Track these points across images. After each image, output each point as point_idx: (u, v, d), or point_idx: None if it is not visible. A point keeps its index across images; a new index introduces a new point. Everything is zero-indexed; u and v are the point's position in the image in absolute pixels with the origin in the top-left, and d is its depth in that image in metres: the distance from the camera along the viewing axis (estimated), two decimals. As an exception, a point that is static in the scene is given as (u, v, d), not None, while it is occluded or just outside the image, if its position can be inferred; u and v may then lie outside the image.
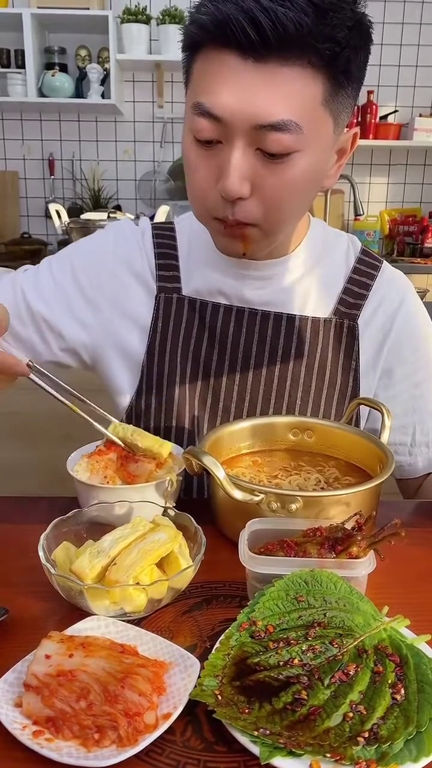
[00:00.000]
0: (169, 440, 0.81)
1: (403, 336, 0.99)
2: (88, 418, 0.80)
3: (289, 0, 0.69)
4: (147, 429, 0.92)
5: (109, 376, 1.01)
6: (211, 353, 0.97)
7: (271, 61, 0.72)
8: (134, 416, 0.99)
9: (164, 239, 1.00)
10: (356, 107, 3.88)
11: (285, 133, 0.74)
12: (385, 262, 1.04)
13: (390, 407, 0.88)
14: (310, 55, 0.72)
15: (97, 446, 0.83)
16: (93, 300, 0.98)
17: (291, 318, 0.96)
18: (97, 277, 0.98)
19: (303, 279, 0.97)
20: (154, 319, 0.98)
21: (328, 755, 0.45)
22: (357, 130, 0.87)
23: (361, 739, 0.46)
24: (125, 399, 1.00)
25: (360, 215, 3.40)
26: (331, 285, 0.99)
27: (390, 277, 1.02)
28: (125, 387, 1.00)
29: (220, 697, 0.49)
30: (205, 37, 0.75)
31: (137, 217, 2.94)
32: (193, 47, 0.78)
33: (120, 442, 0.81)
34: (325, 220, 3.91)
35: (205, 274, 0.96)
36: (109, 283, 0.98)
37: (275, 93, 0.73)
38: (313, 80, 0.74)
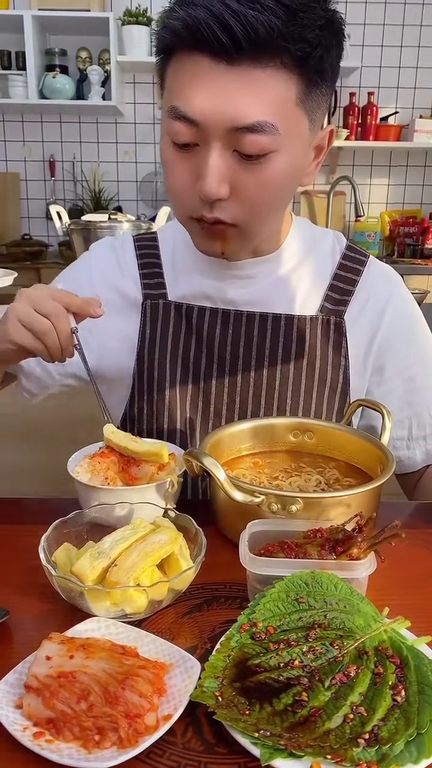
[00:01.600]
0: None
1: (394, 332, 0.99)
2: (104, 404, 0.82)
3: (259, 3, 0.69)
4: (140, 434, 0.93)
5: (103, 388, 1.01)
6: (200, 357, 0.97)
7: (243, 64, 0.72)
8: (128, 421, 1.00)
9: (147, 249, 1.01)
10: (357, 108, 3.91)
11: (261, 134, 0.74)
12: (371, 257, 1.03)
13: (385, 403, 0.89)
14: (283, 57, 0.73)
15: (99, 447, 0.83)
16: (84, 325, 0.97)
17: (276, 317, 0.96)
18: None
19: (288, 277, 0.97)
20: (141, 326, 0.98)
21: (329, 757, 0.45)
22: (333, 126, 0.88)
23: (361, 741, 0.46)
24: (119, 406, 1.01)
25: (361, 216, 3.41)
26: (317, 282, 0.99)
27: (377, 272, 1.01)
28: (119, 395, 1.01)
29: (220, 699, 0.49)
30: (177, 42, 0.75)
31: (138, 219, 2.94)
32: (165, 51, 0.78)
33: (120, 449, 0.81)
34: (327, 222, 3.94)
35: (190, 279, 0.96)
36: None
37: (249, 95, 0.73)
38: (287, 81, 0.74)
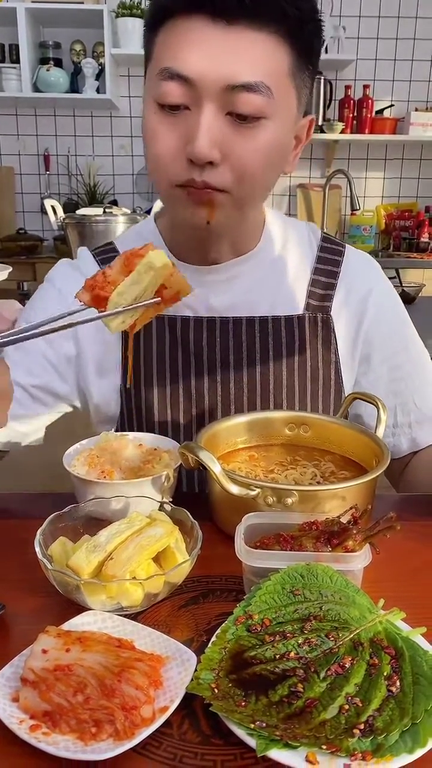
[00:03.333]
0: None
1: (378, 321, 0.99)
2: (97, 314, 0.70)
3: None
4: None
5: (92, 410, 1.01)
6: (189, 368, 0.95)
7: (242, 25, 0.73)
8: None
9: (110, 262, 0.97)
10: (353, 101, 3.90)
11: (257, 93, 0.74)
12: (348, 246, 1.02)
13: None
14: (278, 23, 0.74)
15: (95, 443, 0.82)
16: (68, 353, 0.96)
17: (263, 320, 0.95)
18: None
19: (268, 276, 0.96)
20: (124, 344, 0.95)
21: (324, 747, 0.45)
22: (313, 116, 0.88)
23: (356, 731, 0.46)
24: (109, 428, 0.99)
25: (356, 210, 3.41)
26: (298, 277, 0.97)
27: (356, 261, 1.00)
28: (108, 414, 0.99)
29: (216, 691, 0.49)
30: (176, 4, 0.75)
31: (134, 212, 2.93)
32: (159, 18, 0.78)
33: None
34: (323, 215, 3.93)
35: None
36: (72, 329, 0.93)
37: (246, 56, 0.74)
38: (281, 49, 0.76)
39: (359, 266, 1.00)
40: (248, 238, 0.93)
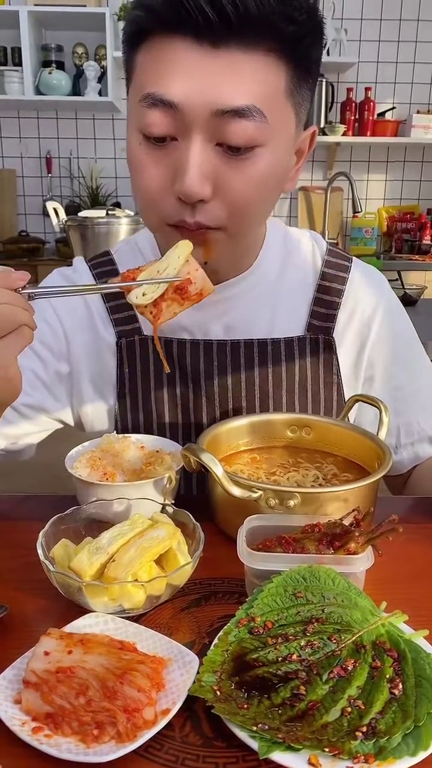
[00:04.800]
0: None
1: (382, 342, 0.96)
2: (119, 284, 0.69)
3: None
4: None
5: (87, 428, 0.98)
6: (187, 392, 0.92)
7: (230, 47, 0.65)
8: None
9: (106, 275, 0.93)
10: (354, 104, 3.90)
11: (249, 120, 0.67)
12: (354, 259, 0.98)
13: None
14: (272, 41, 0.67)
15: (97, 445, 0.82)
16: (60, 371, 0.94)
17: (262, 343, 0.91)
18: (58, 345, 0.93)
19: (268, 294, 0.92)
20: (119, 367, 0.92)
21: (327, 750, 0.45)
22: (315, 128, 0.82)
23: (359, 734, 0.46)
24: None
25: (358, 212, 3.41)
26: (299, 296, 0.93)
27: (362, 276, 0.95)
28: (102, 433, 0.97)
29: (218, 693, 0.49)
30: (153, 22, 0.67)
31: (137, 214, 2.94)
32: (137, 37, 0.70)
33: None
34: (324, 217, 3.92)
35: None
36: (66, 348, 0.94)
37: (236, 80, 0.66)
38: (276, 68, 0.69)
39: (365, 284, 0.95)
40: (248, 256, 0.90)
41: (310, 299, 0.93)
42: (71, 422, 0.99)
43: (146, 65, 0.70)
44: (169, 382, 0.92)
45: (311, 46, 0.71)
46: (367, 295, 0.95)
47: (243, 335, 0.92)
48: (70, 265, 1.00)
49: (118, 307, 0.92)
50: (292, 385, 0.93)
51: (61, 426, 1.00)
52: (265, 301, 0.92)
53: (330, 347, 0.93)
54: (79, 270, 0.97)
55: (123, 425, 0.94)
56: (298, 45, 0.68)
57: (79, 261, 0.99)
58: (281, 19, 0.65)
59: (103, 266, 0.95)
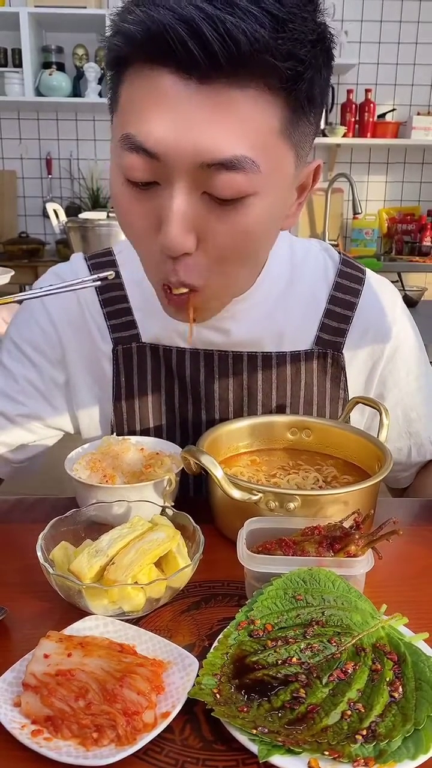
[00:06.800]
0: None
1: (394, 361, 0.93)
2: (99, 276, 0.68)
3: (239, 7, 0.54)
4: None
5: (84, 435, 0.97)
6: (185, 403, 0.89)
7: (218, 84, 0.58)
8: None
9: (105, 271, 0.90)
10: (355, 105, 3.90)
11: (237, 172, 0.60)
12: (368, 270, 0.94)
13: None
14: (267, 77, 0.58)
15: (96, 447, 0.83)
16: (55, 378, 0.92)
17: (267, 356, 0.87)
18: (53, 351, 0.91)
19: (274, 309, 0.88)
20: (115, 375, 0.89)
21: (327, 753, 0.45)
22: (320, 162, 0.73)
23: (359, 737, 0.46)
24: None
25: (358, 214, 3.41)
26: (310, 308, 0.90)
27: (376, 291, 0.92)
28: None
29: (218, 696, 0.49)
30: (133, 52, 0.60)
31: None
32: (118, 66, 0.63)
33: None
34: (325, 219, 3.92)
35: (163, 318, 0.79)
36: (61, 355, 0.92)
37: (225, 123, 0.59)
38: (271, 107, 0.60)
39: (379, 299, 0.92)
40: (247, 283, 0.82)
41: (321, 312, 0.90)
42: (71, 430, 0.97)
43: (130, 97, 0.63)
44: (167, 393, 0.90)
45: (315, 77, 0.62)
46: (380, 311, 0.92)
47: (248, 349, 0.89)
48: None
49: (117, 312, 0.89)
50: (297, 400, 0.91)
51: (60, 434, 0.98)
52: (270, 318, 0.88)
53: (338, 364, 0.91)
54: (76, 266, 0.93)
55: (119, 434, 0.92)
56: (296, 82, 0.60)
57: (77, 257, 0.94)
58: (278, 56, 0.57)
59: (104, 264, 0.92)
